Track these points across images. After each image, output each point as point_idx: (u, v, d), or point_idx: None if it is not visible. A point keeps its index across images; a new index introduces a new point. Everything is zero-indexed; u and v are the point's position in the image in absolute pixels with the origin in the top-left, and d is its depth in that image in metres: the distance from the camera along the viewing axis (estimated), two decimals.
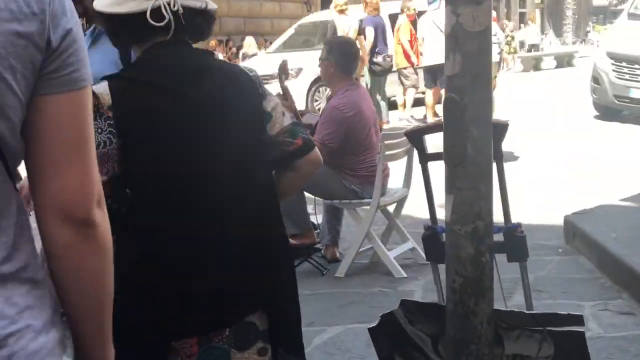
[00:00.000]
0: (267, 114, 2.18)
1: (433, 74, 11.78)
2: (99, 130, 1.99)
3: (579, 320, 2.81)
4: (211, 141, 2.05)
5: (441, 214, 2.98)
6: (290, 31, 17.56)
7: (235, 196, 2.07)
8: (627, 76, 11.87)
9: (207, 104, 2.06)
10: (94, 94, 1.99)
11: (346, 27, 11.97)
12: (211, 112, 2.06)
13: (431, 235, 3.08)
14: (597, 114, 12.72)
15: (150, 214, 2.03)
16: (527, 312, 2.93)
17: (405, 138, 5.41)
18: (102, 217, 1.41)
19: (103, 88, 2.02)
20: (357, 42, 12.40)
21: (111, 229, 2.02)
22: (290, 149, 2.21)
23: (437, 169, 3.01)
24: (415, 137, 3.07)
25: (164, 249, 2.02)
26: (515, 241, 3.01)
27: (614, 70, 12.01)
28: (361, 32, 11.93)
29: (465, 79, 2.72)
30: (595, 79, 12.42)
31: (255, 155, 2.13)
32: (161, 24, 2.02)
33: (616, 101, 12.06)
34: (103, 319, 1.44)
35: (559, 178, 7.93)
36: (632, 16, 12.76)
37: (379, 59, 11.87)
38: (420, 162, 3.11)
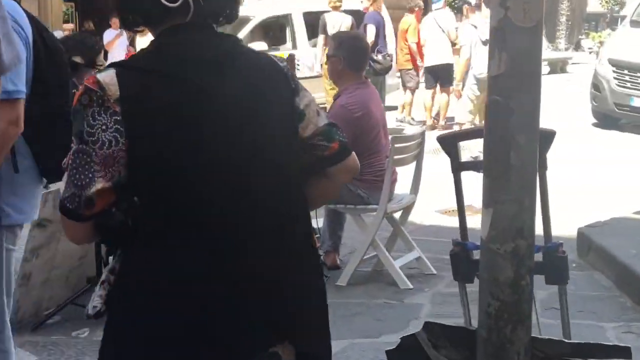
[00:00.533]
0: (299, 112, 1.86)
1: (434, 75, 11.50)
2: (103, 127, 1.68)
3: (625, 352, 2.52)
4: (234, 143, 1.74)
5: (475, 225, 2.71)
6: None
7: (259, 207, 1.76)
8: (628, 84, 11.62)
9: (229, 99, 1.75)
10: (98, 83, 1.68)
11: (337, 23, 11.70)
12: (234, 108, 1.75)
13: (461, 252, 2.78)
14: (595, 121, 12.46)
15: (160, 226, 1.72)
16: (567, 341, 2.64)
17: (415, 142, 5.15)
18: None
19: (109, 77, 1.70)
20: None
21: (116, 243, 1.70)
22: (325, 154, 1.90)
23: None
24: (449, 143, 2.76)
25: (176, 265, 1.72)
26: (556, 262, 2.72)
27: (615, 78, 11.76)
28: (353, 28, 11.62)
29: (513, 79, 2.42)
30: (596, 86, 12.16)
31: (284, 160, 1.82)
32: (176, 4, 1.72)
33: (616, 109, 11.81)
34: None
35: (564, 187, 7.63)
36: (635, 23, 12.51)
37: (378, 57, 11.56)
38: (453, 171, 2.81)
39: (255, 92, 1.78)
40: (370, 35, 11.66)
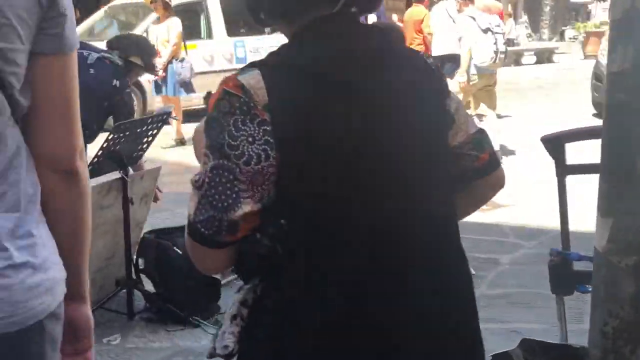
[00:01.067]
0: (450, 116, 1.59)
1: (442, 64, 11.23)
2: (250, 140, 1.38)
3: None
4: (394, 154, 1.46)
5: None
6: (99, 14, 14.32)
7: (417, 229, 1.49)
8: None
9: (386, 101, 1.47)
10: (241, 87, 1.38)
11: None
12: (392, 112, 1.47)
13: (561, 263, 2.51)
14: (595, 112, 12.26)
15: (315, 256, 1.42)
16: None
17: None
18: (83, 168, 1.54)
19: (255, 79, 1.40)
20: None
21: (256, 272, 1.38)
22: (474, 165, 1.62)
23: None
24: (554, 145, 2.49)
25: (330, 302, 1.42)
26: None
27: None
28: None
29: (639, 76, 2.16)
30: (598, 77, 11.95)
31: (441, 173, 1.54)
32: None
33: None
34: (82, 252, 1.59)
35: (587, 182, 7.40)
36: None
37: None
38: (558, 174, 2.54)
39: (410, 94, 1.51)
40: None
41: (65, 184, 1.51)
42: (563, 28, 30.95)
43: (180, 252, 4.53)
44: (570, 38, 29.30)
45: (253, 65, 1.44)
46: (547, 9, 30.07)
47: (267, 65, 1.44)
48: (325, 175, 1.40)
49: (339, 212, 1.42)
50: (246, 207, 1.39)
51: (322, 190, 1.41)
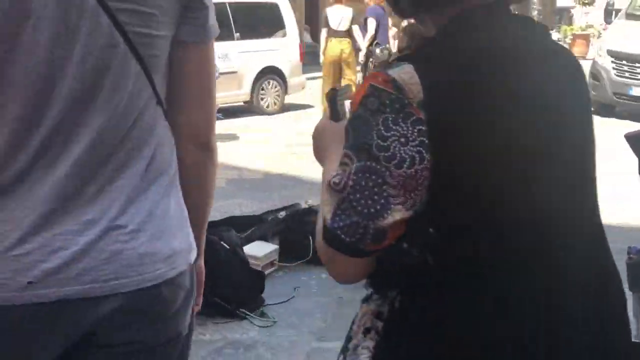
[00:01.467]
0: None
1: None
2: (402, 140, 1.19)
3: None
4: (558, 157, 1.31)
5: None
6: None
7: (577, 236, 1.34)
8: (627, 74, 11.45)
9: (551, 103, 1.30)
10: (393, 82, 1.21)
11: (339, 16, 11.35)
12: (553, 118, 1.30)
13: None
14: (592, 109, 12.22)
15: (467, 266, 1.25)
16: None
17: None
18: (215, 143, 1.64)
19: (408, 74, 1.21)
20: (350, 33, 11.87)
21: (403, 285, 1.32)
22: None
23: None
24: (639, 142, 2.40)
25: (487, 323, 1.26)
26: None
27: (614, 68, 11.59)
28: (354, 20, 11.30)
29: None
30: (595, 76, 11.96)
31: (591, 179, 1.41)
32: None
33: (615, 98, 11.63)
34: (206, 220, 1.71)
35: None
36: (630, 16, 12.35)
37: (377, 50, 11.10)
38: None
39: (570, 97, 1.36)
40: (371, 29, 11.29)
41: (202, 156, 1.61)
42: (550, 32, 30.94)
43: (227, 247, 4.46)
44: (556, 40, 29.27)
45: (403, 59, 1.24)
46: (535, 13, 30.03)
47: (419, 60, 1.24)
48: (490, 180, 1.22)
49: (503, 219, 1.26)
50: (397, 214, 1.21)
51: (486, 197, 1.23)
